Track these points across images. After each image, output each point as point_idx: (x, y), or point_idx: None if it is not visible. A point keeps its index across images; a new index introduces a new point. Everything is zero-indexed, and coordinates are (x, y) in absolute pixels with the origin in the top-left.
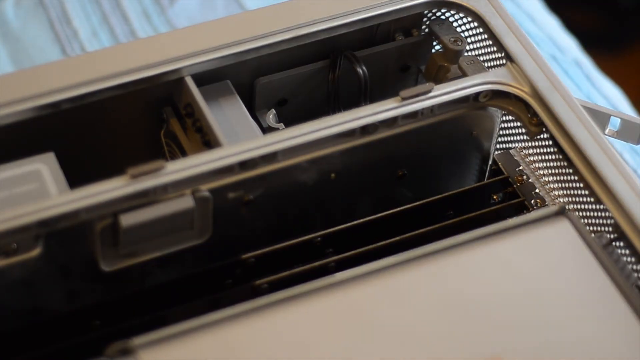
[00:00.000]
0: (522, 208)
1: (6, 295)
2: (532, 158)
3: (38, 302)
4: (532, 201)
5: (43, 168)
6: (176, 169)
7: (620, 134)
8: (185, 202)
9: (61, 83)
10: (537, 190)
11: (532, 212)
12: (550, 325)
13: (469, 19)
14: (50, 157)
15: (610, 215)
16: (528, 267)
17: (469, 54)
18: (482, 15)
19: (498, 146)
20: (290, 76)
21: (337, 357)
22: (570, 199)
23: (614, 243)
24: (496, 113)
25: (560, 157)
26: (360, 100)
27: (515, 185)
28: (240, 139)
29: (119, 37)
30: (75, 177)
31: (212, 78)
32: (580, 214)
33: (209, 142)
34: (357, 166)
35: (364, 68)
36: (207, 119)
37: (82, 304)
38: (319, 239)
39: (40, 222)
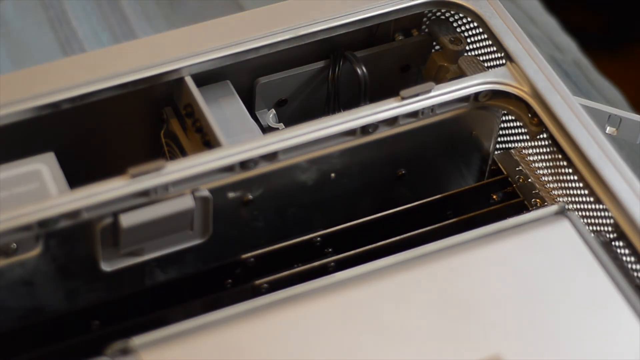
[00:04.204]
0: (522, 208)
1: (6, 295)
2: (532, 158)
3: (38, 302)
4: (532, 201)
5: (43, 168)
6: (176, 169)
7: (619, 132)
8: (185, 202)
9: (61, 83)
10: (537, 190)
11: (532, 212)
12: (550, 325)
13: (469, 19)
14: (50, 157)
15: (610, 215)
16: (528, 267)
17: (469, 54)
18: (481, 16)
19: (498, 146)
20: (290, 76)
21: (337, 357)
22: (570, 199)
23: (613, 243)
24: (496, 113)
25: (560, 156)
26: (360, 100)
27: (515, 185)
28: (240, 139)
29: (119, 37)
30: (75, 177)
31: (212, 78)
32: (580, 213)
33: (209, 142)
34: (357, 166)
35: (364, 68)
36: (207, 119)
37: (82, 304)
38: (318, 239)
39: (40, 222)
